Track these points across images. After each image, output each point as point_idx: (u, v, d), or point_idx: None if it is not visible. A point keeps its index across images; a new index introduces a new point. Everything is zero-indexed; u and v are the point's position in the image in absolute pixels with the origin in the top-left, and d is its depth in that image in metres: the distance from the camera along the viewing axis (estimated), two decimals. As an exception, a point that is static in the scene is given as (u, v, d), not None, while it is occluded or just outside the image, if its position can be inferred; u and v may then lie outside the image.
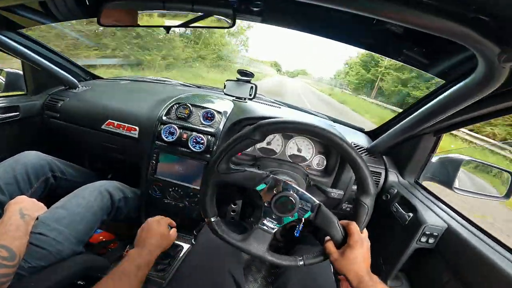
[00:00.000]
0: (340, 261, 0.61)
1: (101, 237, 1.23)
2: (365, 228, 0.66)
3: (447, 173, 1.01)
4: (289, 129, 0.66)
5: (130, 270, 0.70)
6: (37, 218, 0.76)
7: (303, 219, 0.67)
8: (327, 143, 0.70)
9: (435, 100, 0.75)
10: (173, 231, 0.94)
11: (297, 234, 0.75)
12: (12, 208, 0.73)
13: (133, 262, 0.72)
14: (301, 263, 0.66)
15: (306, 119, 1.32)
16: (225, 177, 0.67)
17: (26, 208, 0.75)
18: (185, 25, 0.85)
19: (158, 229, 0.87)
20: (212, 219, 0.69)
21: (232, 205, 1.33)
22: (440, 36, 0.45)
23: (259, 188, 0.67)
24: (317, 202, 0.66)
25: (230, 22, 0.81)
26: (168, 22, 0.77)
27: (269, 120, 0.65)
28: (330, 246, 0.65)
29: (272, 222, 0.68)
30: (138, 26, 0.75)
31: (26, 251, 0.68)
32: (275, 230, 0.68)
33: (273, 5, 0.83)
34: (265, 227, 0.68)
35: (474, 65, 0.55)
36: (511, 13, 0.39)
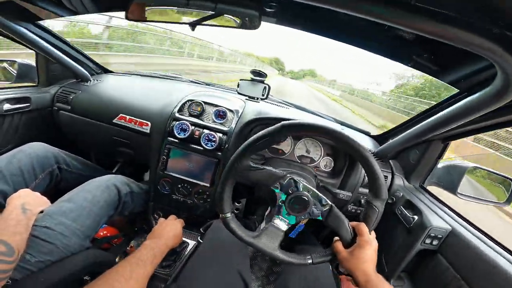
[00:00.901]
0: (349, 260, 0.64)
1: (104, 232, 1.23)
2: (373, 231, 0.68)
3: (451, 178, 1.03)
4: (312, 133, 0.68)
5: (147, 257, 0.72)
6: (42, 212, 0.75)
7: (303, 220, 0.69)
8: (345, 150, 0.72)
9: (449, 109, 0.75)
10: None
11: (294, 236, 0.78)
12: (14, 203, 0.72)
13: (150, 251, 0.75)
14: (310, 261, 0.68)
15: (317, 121, 1.35)
16: (245, 174, 0.69)
17: (29, 203, 0.74)
18: (204, 22, 0.85)
19: (174, 227, 0.92)
20: (227, 215, 0.70)
21: (236, 203, 1.35)
22: (454, 46, 0.46)
23: (276, 190, 0.69)
24: (330, 203, 0.68)
25: (257, 24, 0.81)
26: (192, 20, 0.78)
27: (295, 121, 0.67)
28: (339, 245, 0.68)
29: (285, 221, 0.69)
30: (164, 22, 0.75)
31: (32, 245, 0.67)
32: (287, 228, 0.70)
33: (286, 6, 0.84)
34: (277, 225, 0.69)
35: (490, 75, 0.56)
36: None
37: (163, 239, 0.84)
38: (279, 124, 0.66)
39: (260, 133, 0.67)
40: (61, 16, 0.95)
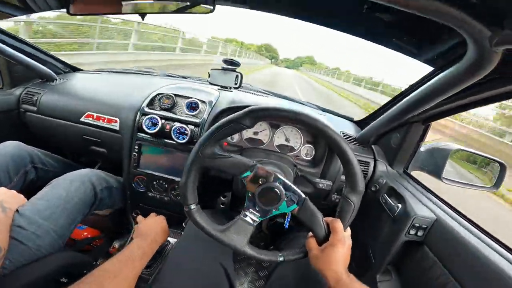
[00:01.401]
0: (320, 258, 0.60)
1: (85, 233, 1.20)
2: (348, 227, 0.64)
3: (435, 162, 0.99)
4: (280, 117, 0.63)
5: (136, 254, 0.71)
6: (16, 211, 0.73)
7: (289, 212, 0.65)
8: (318, 134, 0.68)
9: (423, 87, 0.72)
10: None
11: (287, 226, 0.73)
12: None
13: (139, 249, 0.74)
14: (281, 259, 0.64)
15: (295, 108, 1.30)
16: (209, 162, 0.64)
17: (6, 201, 0.72)
18: (161, 11, 0.80)
19: (159, 222, 0.90)
20: (192, 207, 0.66)
21: (222, 198, 1.31)
22: (429, 23, 0.43)
23: (243, 175, 0.64)
24: (303, 196, 0.64)
25: (210, 7, 0.76)
26: (143, 8, 0.72)
27: (261, 106, 0.62)
28: (312, 242, 0.64)
29: (255, 214, 0.65)
30: (110, 13, 0.70)
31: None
32: (257, 222, 0.65)
33: None
34: (247, 218, 0.65)
35: (464, 51, 0.52)
36: None
37: (151, 235, 0.82)
38: (245, 109, 0.62)
39: (225, 119, 0.63)
40: (14, 16, 0.89)
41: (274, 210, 0.64)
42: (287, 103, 1.34)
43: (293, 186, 0.64)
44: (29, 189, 0.96)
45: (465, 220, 0.78)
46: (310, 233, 0.65)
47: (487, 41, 0.43)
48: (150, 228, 0.85)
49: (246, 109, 0.62)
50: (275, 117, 0.64)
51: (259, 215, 0.65)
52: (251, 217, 0.65)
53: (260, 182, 0.63)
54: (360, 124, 1.27)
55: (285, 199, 0.63)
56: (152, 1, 0.77)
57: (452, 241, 0.73)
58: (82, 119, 1.14)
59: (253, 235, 0.66)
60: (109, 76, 1.46)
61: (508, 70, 0.56)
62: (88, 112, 1.13)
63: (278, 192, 0.62)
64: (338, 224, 0.62)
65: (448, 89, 0.65)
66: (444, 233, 0.77)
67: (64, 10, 0.71)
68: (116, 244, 1.17)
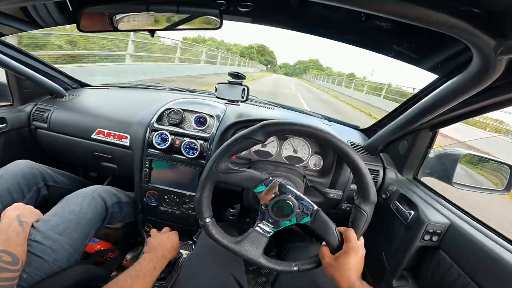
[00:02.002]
0: (333, 266, 0.61)
1: (98, 246, 1.21)
2: (361, 236, 0.65)
3: (445, 168, 0.99)
4: (293, 132, 0.65)
5: (147, 269, 0.73)
6: (32, 226, 0.75)
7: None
8: (330, 148, 0.69)
9: (430, 95, 0.73)
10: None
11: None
12: (10, 215, 0.73)
13: (150, 263, 0.76)
14: (295, 268, 0.65)
15: (302, 119, 1.31)
16: (223, 176, 0.65)
17: (23, 214, 0.75)
18: (170, 27, 0.83)
19: (171, 239, 0.93)
20: (207, 220, 0.67)
21: (231, 209, 1.31)
22: (431, 30, 0.43)
23: (257, 190, 0.65)
24: (316, 207, 0.65)
25: (217, 23, 0.79)
26: (152, 25, 0.75)
27: (274, 120, 0.64)
28: (325, 251, 0.64)
29: (269, 225, 0.66)
30: (121, 30, 0.72)
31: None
32: (271, 234, 0.67)
33: (262, 5, 0.81)
34: (261, 230, 0.66)
35: (467, 58, 0.53)
36: (501, 5, 0.37)
37: (161, 251, 0.85)
38: (258, 124, 0.63)
39: (238, 134, 0.64)
40: (24, 31, 0.91)
41: (287, 222, 0.65)
42: (296, 115, 1.35)
43: (305, 198, 0.65)
44: (42, 205, 0.99)
45: (478, 223, 0.78)
46: (323, 242, 0.66)
47: (492, 50, 0.44)
48: (161, 244, 0.88)
49: (259, 124, 0.63)
50: (288, 132, 0.65)
51: (272, 226, 0.66)
52: (264, 228, 0.66)
53: (273, 195, 0.65)
54: (367, 132, 1.27)
55: (298, 210, 0.64)
56: (151, 14, 0.78)
57: (468, 245, 0.73)
58: (93, 135, 1.16)
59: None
60: (116, 91, 1.49)
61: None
62: (99, 129, 1.15)
63: (291, 204, 0.63)
64: (351, 233, 0.63)
65: (454, 98, 0.66)
66: (460, 237, 0.77)
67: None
68: (128, 257, 1.19)
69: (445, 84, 0.66)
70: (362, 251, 0.63)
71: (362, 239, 0.65)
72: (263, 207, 0.66)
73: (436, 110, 0.75)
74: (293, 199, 0.64)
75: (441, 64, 0.73)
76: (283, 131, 0.64)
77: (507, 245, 0.69)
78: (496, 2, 0.38)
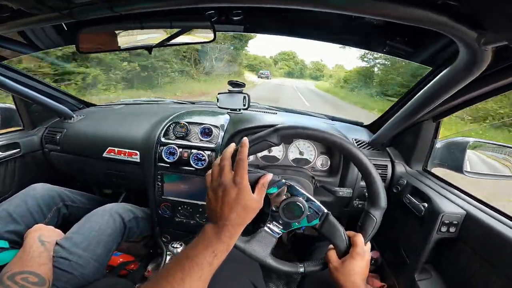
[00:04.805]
0: (339, 270, 0.62)
1: (120, 259, 1.25)
2: (369, 242, 0.66)
3: (454, 157, 0.98)
4: (307, 136, 0.66)
5: (203, 258, 0.50)
6: (57, 244, 0.79)
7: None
8: (341, 152, 0.70)
9: (426, 87, 0.74)
10: (264, 180, 0.59)
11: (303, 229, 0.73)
12: (32, 236, 0.77)
13: (209, 247, 0.51)
14: (302, 270, 0.66)
15: (305, 121, 1.32)
16: None
17: (44, 235, 0.79)
18: (165, 43, 0.85)
19: (240, 195, 0.53)
20: None
21: None
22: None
23: (269, 191, 0.66)
24: (326, 210, 0.66)
25: (211, 35, 0.81)
26: (148, 42, 0.78)
27: (289, 124, 0.65)
28: (332, 254, 0.65)
29: (278, 227, 0.67)
30: (119, 49, 0.75)
31: (53, 276, 0.71)
32: (279, 234, 0.68)
33: (252, 13, 0.83)
34: (270, 231, 0.67)
35: (456, 50, 0.54)
36: None
37: (226, 225, 0.53)
38: (272, 128, 0.65)
39: (253, 136, 0.65)
40: (24, 54, 0.94)
41: (296, 224, 0.66)
42: (297, 117, 1.36)
43: (315, 201, 0.66)
44: (63, 224, 1.04)
45: (495, 211, 0.77)
46: (331, 245, 0.67)
47: (475, 41, 0.44)
48: (230, 207, 0.54)
49: (274, 127, 0.65)
50: (301, 136, 0.67)
51: (282, 227, 0.67)
52: (274, 229, 0.67)
53: (284, 197, 0.66)
54: (371, 128, 1.27)
55: (308, 213, 0.65)
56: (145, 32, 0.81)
57: (487, 233, 0.72)
58: (104, 154, 1.20)
59: (276, 248, 0.68)
60: (121, 109, 1.52)
61: (505, 63, 0.58)
62: (110, 147, 1.19)
63: (302, 206, 0.65)
64: (359, 238, 0.64)
65: (449, 88, 0.67)
66: (478, 226, 0.76)
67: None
68: (150, 268, 1.23)
69: (438, 76, 0.67)
70: (368, 256, 0.64)
71: (369, 245, 0.66)
72: (273, 209, 0.67)
73: (434, 101, 0.76)
74: (303, 201, 0.65)
75: (432, 56, 0.74)
76: (296, 134, 0.67)
77: None
78: None
